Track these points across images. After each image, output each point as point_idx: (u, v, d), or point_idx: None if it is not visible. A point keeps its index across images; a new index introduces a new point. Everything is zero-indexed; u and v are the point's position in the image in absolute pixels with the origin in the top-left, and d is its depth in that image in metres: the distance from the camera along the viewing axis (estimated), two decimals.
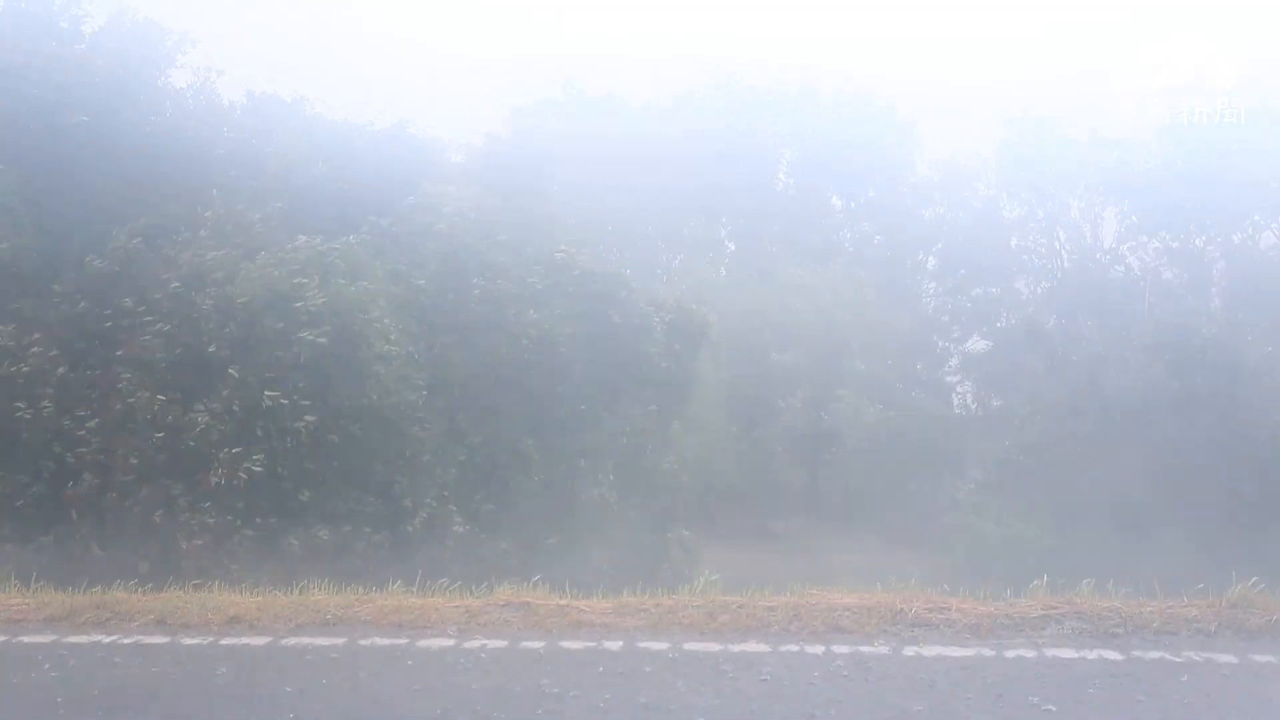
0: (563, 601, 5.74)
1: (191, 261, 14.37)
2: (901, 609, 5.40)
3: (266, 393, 13.43)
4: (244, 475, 13.06)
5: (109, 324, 14.06)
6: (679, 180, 36.09)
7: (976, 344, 39.00)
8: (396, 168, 17.92)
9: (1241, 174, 30.43)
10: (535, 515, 16.13)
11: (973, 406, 37.25)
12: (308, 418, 13.50)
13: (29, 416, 13.26)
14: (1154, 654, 4.95)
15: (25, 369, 13.41)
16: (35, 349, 13.53)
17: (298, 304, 14.01)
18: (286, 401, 13.45)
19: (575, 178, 30.52)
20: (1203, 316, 28.82)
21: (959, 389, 38.05)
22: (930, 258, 40.38)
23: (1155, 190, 33.44)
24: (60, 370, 13.64)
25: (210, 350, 13.86)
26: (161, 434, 13.31)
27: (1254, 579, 5.52)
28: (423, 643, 5.24)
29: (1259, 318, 29.07)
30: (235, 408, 13.50)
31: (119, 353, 13.84)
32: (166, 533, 12.82)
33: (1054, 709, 4.39)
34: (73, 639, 5.43)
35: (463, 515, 14.93)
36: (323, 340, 13.78)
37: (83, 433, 13.35)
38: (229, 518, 12.94)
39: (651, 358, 18.19)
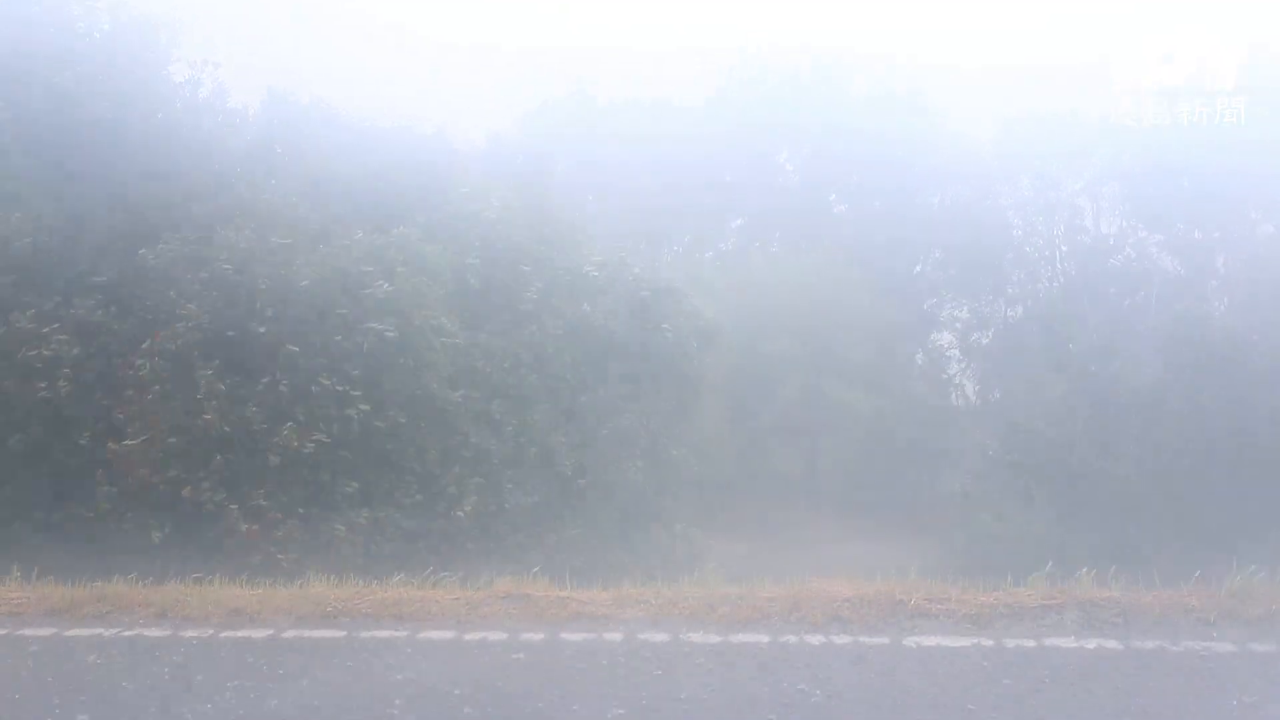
0: (563, 593, 5.75)
1: (243, 244, 14.11)
2: (901, 599, 5.41)
3: (320, 379, 13.19)
4: (292, 461, 12.69)
5: (145, 315, 13.67)
6: (687, 174, 36.20)
7: (976, 334, 38.95)
8: (438, 168, 18.40)
9: (1241, 170, 30.38)
10: (564, 506, 16.17)
11: (972, 397, 37.24)
12: (362, 406, 13.23)
13: (49, 398, 12.76)
14: (1153, 643, 4.95)
15: (46, 353, 12.84)
16: (59, 338, 13.01)
17: (366, 290, 13.95)
18: (340, 389, 13.22)
19: (587, 176, 30.79)
20: (1205, 306, 28.78)
21: (958, 379, 38.03)
22: (931, 247, 40.27)
23: (1155, 184, 33.42)
24: (80, 353, 13.13)
25: (261, 331, 13.49)
26: (178, 436, 12.68)
27: (1253, 568, 5.53)
28: (423, 635, 5.24)
29: (1262, 307, 29.02)
30: (283, 388, 13.13)
31: (150, 340, 13.27)
32: (201, 523, 12.39)
33: (1054, 699, 4.40)
34: (73, 632, 5.43)
35: (496, 506, 14.90)
36: (390, 334, 13.64)
37: (112, 420, 12.87)
38: (275, 511, 12.53)
39: (675, 359, 18.61)
